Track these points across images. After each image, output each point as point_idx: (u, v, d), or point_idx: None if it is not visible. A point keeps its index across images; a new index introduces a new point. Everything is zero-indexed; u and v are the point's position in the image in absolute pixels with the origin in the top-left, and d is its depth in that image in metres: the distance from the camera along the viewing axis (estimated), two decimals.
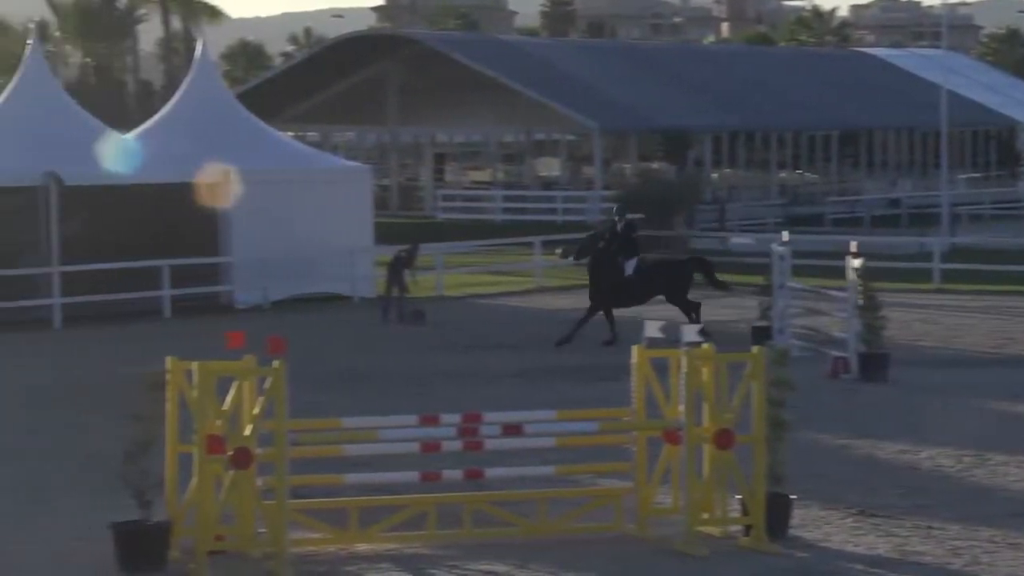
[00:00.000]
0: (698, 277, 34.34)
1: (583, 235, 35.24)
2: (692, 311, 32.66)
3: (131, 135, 42.48)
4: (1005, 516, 17.61)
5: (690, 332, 17.09)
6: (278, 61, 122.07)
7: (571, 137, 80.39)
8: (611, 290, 32.69)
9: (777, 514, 16.59)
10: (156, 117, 44.16)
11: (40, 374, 29.38)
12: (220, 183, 37.74)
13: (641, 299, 32.93)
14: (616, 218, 33.99)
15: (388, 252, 45.27)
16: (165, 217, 38.38)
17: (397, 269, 38.19)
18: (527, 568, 15.51)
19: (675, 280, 33.57)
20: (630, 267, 32.89)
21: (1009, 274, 45.11)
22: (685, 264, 34.95)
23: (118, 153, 37.04)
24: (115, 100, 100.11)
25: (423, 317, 37.22)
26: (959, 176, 79.33)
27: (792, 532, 16.67)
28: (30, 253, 36.92)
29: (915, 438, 22.26)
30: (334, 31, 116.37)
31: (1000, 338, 34.27)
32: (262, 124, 44.66)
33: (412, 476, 17.02)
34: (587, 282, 33.78)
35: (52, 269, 36.99)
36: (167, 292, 38.01)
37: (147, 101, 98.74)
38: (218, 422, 15.51)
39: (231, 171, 38.12)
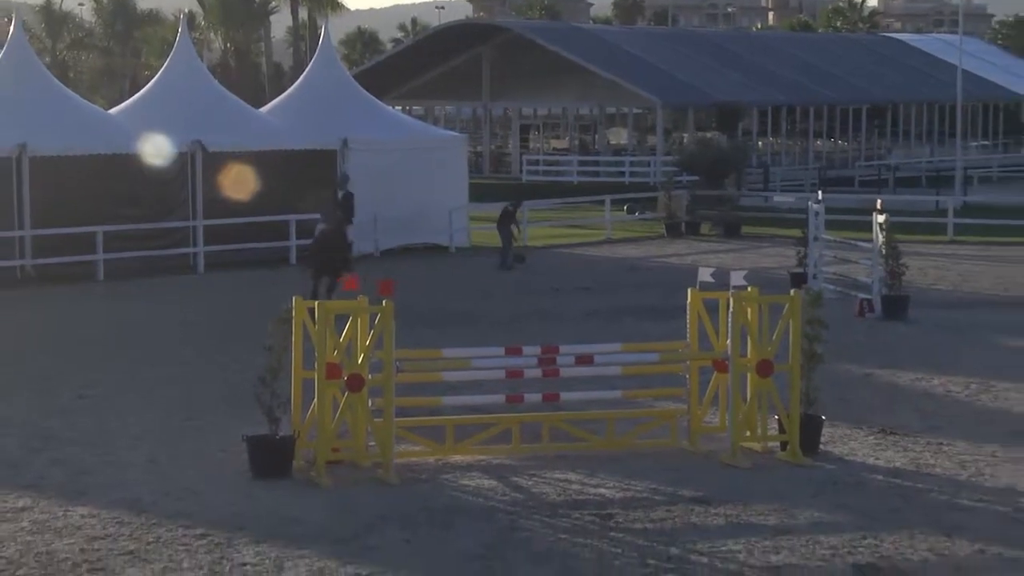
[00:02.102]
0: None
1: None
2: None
3: (264, 109, 42.74)
4: (1006, 435, 17.56)
5: (737, 277, 17.08)
6: (389, 46, 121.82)
7: (637, 110, 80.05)
8: (348, 258, 28.83)
9: (810, 432, 16.61)
10: (285, 94, 44.33)
11: (187, 312, 29.63)
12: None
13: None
14: (338, 187, 30.17)
15: (480, 209, 45.46)
16: (292, 178, 38.59)
17: (505, 222, 38.34)
18: (596, 477, 15.58)
19: None
20: (351, 234, 29.95)
21: (1014, 228, 44.82)
22: None
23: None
24: (251, 80, 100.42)
25: (524, 260, 37.44)
26: (971, 143, 78.75)
27: (822, 448, 16.69)
28: (180, 210, 37.20)
29: (930, 368, 22.21)
30: (436, 20, 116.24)
31: (1005, 283, 34.04)
32: (375, 100, 44.71)
33: (499, 399, 17.12)
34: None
35: (197, 222, 37.25)
36: (293, 242, 38.18)
37: (278, 81, 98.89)
38: (335, 352, 15.64)
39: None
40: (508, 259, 37.59)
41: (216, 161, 37.48)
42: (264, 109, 42.85)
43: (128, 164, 36.13)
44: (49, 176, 34.83)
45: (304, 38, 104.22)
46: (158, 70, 43.54)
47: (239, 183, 37.14)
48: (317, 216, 30.77)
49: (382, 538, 13.28)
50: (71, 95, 39.80)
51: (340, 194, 29.94)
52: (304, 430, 15.86)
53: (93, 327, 27.63)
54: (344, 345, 15.79)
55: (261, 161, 38.00)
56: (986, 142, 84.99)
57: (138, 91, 43.56)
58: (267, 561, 12.56)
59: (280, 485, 15.19)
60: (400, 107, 64.49)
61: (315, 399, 15.65)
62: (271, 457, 15.54)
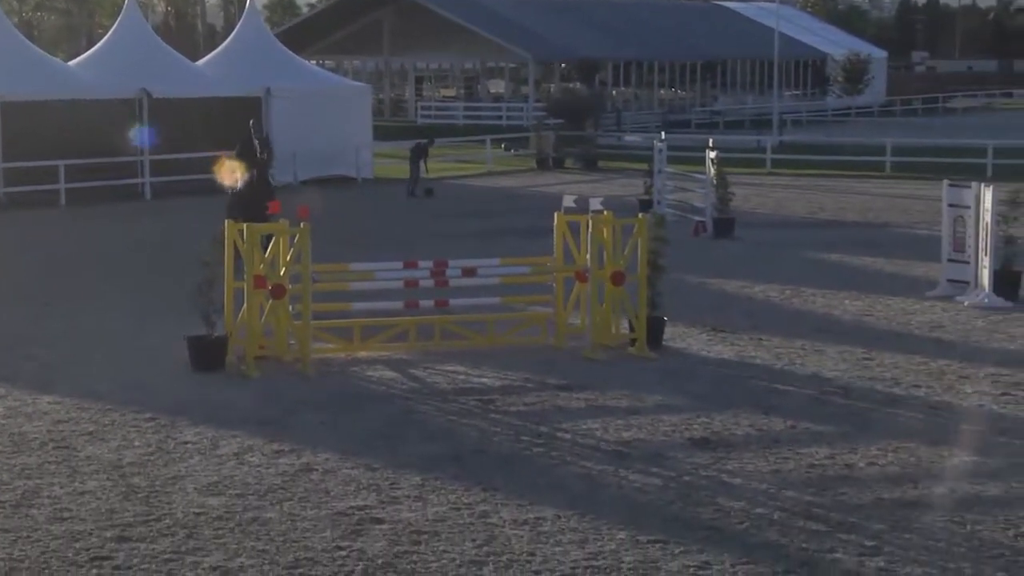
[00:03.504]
0: None
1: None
2: None
3: (200, 62, 42.18)
4: (812, 331, 17.76)
5: (595, 203, 17.08)
6: (305, 10, 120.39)
7: (513, 64, 79.91)
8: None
9: (655, 331, 16.69)
10: (218, 50, 43.78)
11: (137, 232, 29.28)
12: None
13: None
14: (254, 135, 23.94)
15: (382, 146, 45.19)
16: (224, 120, 38.24)
17: (416, 157, 38.23)
18: (479, 368, 15.59)
19: None
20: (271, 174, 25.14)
21: (820, 162, 45.34)
22: None
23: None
24: (188, 38, 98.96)
25: (432, 192, 37.28)
26: (786, 93, 79.37)
27: (665, 344, 16.77)
28: (129, 145, 36.86)
29: (752, 277, 22.41)
30: None
31: (813, 207, 34.42)
32: (294, 55, 44.29)
33: (398, 304, 17.06)
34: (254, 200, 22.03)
35: (144, 157, 36.89)
36: None
37: (211, 39, 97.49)
38: (261, 266, 15.50)
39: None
40: (415, 188, 37.40)
41: (159, 106, 37.08)
42: (200, 63, 42.32)
43: (85, 107, 35.73)
44: (19, 118, 34.45)
45: (234, 2, 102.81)
46: (110, 29, 42.79)
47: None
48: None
49: (301, 420, 13.23)
50: (36, 50, 39.16)
51: (258, 140, 24.09)
52: (235, 331, 15.73)
53: (57, 245, 27.23)
54: (269, 260, 15.67)
55: (198, 106, 37.62)
56: (797, 92, 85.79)
57: (93, 47, 42.85)
58: (205, 440, 12.47)
59: (215, 377, 15.07)
60: (315, 61, 63.82)
61: (244, 305, 15.54)
62: (207, 354, 15.40)
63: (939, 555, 9.36)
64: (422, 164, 38.09)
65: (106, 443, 12.42)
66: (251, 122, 24.67)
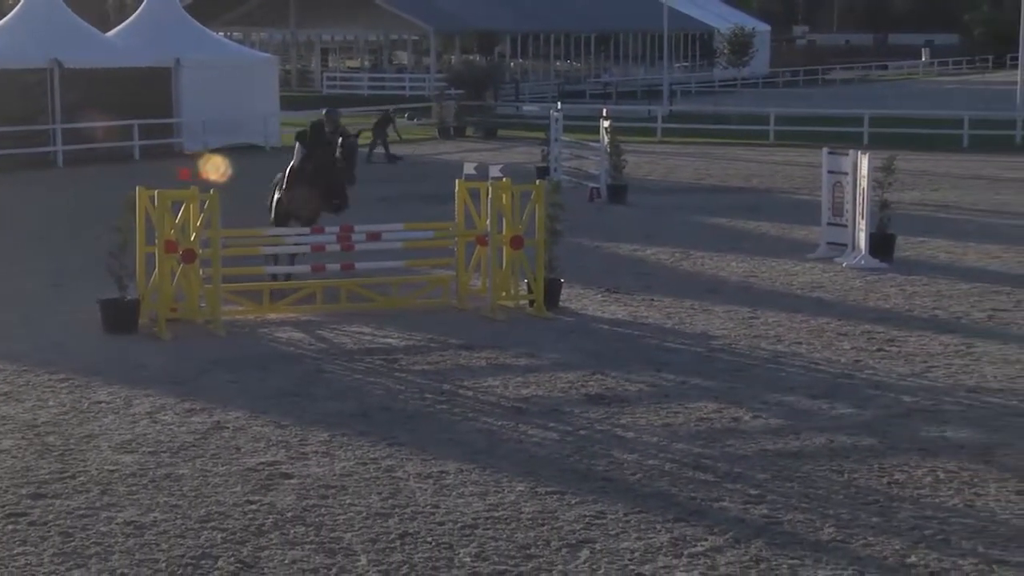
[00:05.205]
0: None
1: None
2: None
3: (110, 33, 41.57)
4: (701, 292, 17.91)
5: (494, 170, 17.08)
6: None
7: (415, 37, 79.56)
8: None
9: (552, 292, 16.74)
10: (128, 21, 43.13)
11: (50, 199, 28.80)
12: None
13: None
14: (326, 125, 18.34)
15: (288, 116, 44.78)
16: (136, 90, 37.77)
17: (382, 126, 38.40)
18: (384, 329, 15.55)
19: None
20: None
21: (707, 131, 45.63)
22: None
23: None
24: (98, 9, 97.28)
25: (396, 159, 37.45)
26: (675, 65, 79.76)
27: (562, 304, 16.83)
28: (41, 115, 36.28)
29: (644, 241, 22.52)
30: None
31: (701, 174, 34.64)
32: (202, 27, 43.76)
33: (305, 268, 16.97)
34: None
35: (56, 126, 36.29)
36: (137, 142, 37.37)
37: (121, 11, 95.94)
38: (172, 231, 15.33)
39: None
40: (372, 155, 37.29)
41: (71, 75, 36.53)
42: (110, 34, 41.71)
43: None
44: None
45: None
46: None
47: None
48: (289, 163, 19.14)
49: (213, 379, 13.12)
50: None
51: (328, 128, 18.44)
52: (147, 294, 15.56)
53: None
54: (180, 225, 15.50)
55: (109, 76, 37.11)
56: (686, 64, 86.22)
57: (4, 17, 42.01)
58: (118, 399, 12.33)
59: (128, 339, 14.90)
60: (223, 33, 63.04)
61: (156, 269, 15.36)
62: (120, 316, 15.22)
63: (819, 502, 9.51)
64: (389, 131, 38.55)
65: (21, 403, 12.24)
66: (324, 112, 18.83)
